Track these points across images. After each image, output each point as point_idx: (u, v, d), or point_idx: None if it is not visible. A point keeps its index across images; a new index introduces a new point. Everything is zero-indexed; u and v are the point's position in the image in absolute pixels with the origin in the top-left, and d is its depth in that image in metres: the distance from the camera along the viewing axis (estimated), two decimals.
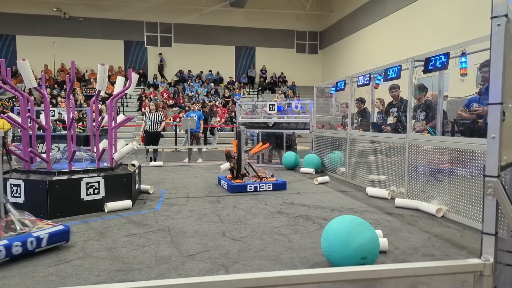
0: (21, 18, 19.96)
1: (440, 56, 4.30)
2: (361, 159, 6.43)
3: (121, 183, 4.75)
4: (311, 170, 7.73)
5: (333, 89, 7.63)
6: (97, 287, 1.41)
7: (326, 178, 6.77)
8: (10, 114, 5.00)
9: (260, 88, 22.04)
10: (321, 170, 8.04)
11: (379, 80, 6.08)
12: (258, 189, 5.81)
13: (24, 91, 5.31)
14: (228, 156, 6.27)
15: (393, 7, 15.38)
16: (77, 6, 20.25)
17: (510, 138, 1.50)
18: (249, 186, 5.79)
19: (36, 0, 19.49)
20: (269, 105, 9.45)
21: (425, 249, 3.27)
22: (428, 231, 3.78)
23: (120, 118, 5.59)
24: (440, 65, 4.31)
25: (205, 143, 14.31)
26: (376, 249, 2.77)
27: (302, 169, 7.88)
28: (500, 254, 2.04)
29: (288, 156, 8.44)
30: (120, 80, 5.52)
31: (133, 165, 5.06)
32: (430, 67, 4.45)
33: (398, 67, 5.27)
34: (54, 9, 19.99)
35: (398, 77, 5.32)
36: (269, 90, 22.07)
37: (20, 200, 4.24)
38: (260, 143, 7.39)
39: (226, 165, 6.42)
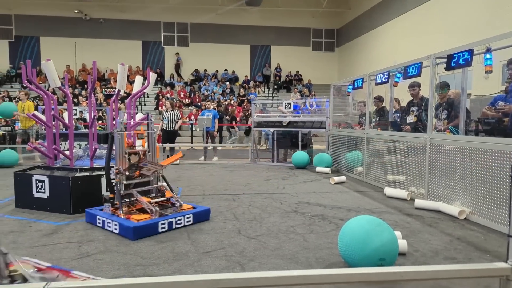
0: (44, 20, 20.55)
1: (464, 53, 4.17)
2: (379, 159, 6.32)
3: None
4: (327, 170, 7.66)
5: (350, 87, 7.53)
6: (117, 281, 1.43)
7: (342, 178, 6.68)
8: (35, 112, 5.14)
9: (275, 87, 21.98)
10: (336, 169, 7.95)
11: (398, 78, 5.95)
12: (173, 226, 3.78)
13: (48, 90, 5.45)
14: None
15: (414, 2, 15.01)
16: (97, 8, 20.68)
17: None
18: (162, 224, 3.66)
19: (59, 3, 19.98)
20: (285, 103, 9.40)
21: (447, 252, 3.18)
22: (450, 234, 3.67)
23: (138, 116, 5.67)
24: (463, 62, 4.18)
25: (220, 142, 14.37)
26: (395, 250, 2.71)
27: (318, 169, 7.81)
28: None
29: (298, 155, 8.38)
30: (138, 79, 5.60)
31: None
32: (452, 64, 4.32)
33: (419, 65, 5.14)
34: (76, 11, 20.46)
35: (418, 74, 5.19)
36: (285, 89, 21.98)
37: (45, 195, 4.37)
38: (174, 156, 4.76)
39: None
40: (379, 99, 7.13)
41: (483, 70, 4.09)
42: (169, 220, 3.72)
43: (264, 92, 21.42)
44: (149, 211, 3.71)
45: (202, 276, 1.45)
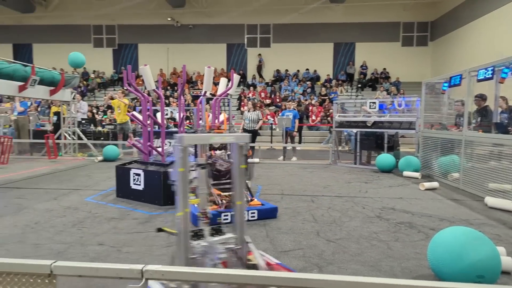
0: (142, 28, 22.87)
1: None
2: (480, 164, 5.62)
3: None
4: (416, 174, 7.08)
5: (446, 84, 6.84)
6: (205, 270, 1.51)
7: (434, 184, 6.11)
8: (134, 112, 5.75)
9: (359, 85, 21.09)
10: (427, 174, 7.30)
11: (506, 73, 5.22)
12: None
13: (144, 92, 6.05)
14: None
15: None
16: (187, 15, 22.28)
17: None
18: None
19: (154, 12, 22.03)
20: (370, 103, 8.95)
21: None
22: None
23: (222, 117, 5.93)
24: None
25: (300, 142, 14.31)
26: (496, 267, 2.39)
27: (405, 173, 7.27)
28: None
29: (384, 157, 7.85)
30: (223, 81, 5.86)
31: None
32: None
33: None
34: (169, 19, 22.34)
35: None
36: (369, 87, 20.95)
37: (140, 187, 4.86)
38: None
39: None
40: (481, 98, 6.35)
41: None
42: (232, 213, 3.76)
43: (347, 91, 20.71)
44: (216, 202, 4.03)
45: (282, 273, 1.45)
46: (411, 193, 5.72)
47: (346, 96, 19.59)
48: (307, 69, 22.07)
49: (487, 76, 5.45)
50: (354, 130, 9.05)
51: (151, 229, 3.74)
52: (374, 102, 8.91)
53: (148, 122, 5.23)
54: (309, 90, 19.95)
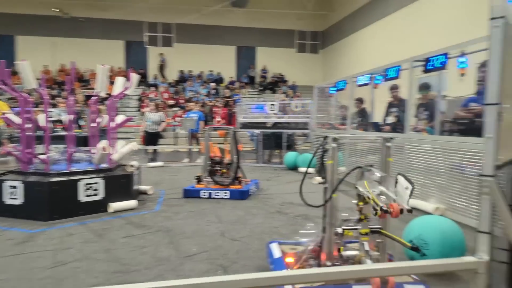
0: (20, 18, 19.99)
1: (440, 56, 4.29)
2: (362, 159, 6.42)
3: (121, 184, 4.75)
4: (311, 170, 7.73)
5: (333, 89, 7.63)
6: None
7: None
8: (8, 115, 5.00)
9: (261, 88, 22.03)
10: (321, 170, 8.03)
11: (379, 80, 6.07)
12: (211, 196, 5.34)
13: (23, 91, 5.31)
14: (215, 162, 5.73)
15: (394, 7, 15.35)
16: (78, 7, 20.26)
17: (507, 138, 1.50)
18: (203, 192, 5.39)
19: (36, 0, 19.50)
20: (270, 105, 9.44)
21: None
22: None
23: (121, 119, 5.58)
24: (440, 65, 4.30)
25: None
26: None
27: (301, 169, 7.89)
28: (494, 252, 2.03)
29: (289, 156, 8.43)
30: (120, 80, 5.50)
31: (132, 166, 5.06)
32: (429, 67, 4.44)
33: (398, 67, 5.26)
34: (54, 9, 19.98)
35: (397, 77, 5.31)
36: (270, 90, 22.06)
37: (19, 201, 4.22)
38: None
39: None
40: (360, 101, 7.25)
41: (458, 72, 4.22)
42: (210, 191, 5.40)
43: (249, 93, 21.43)
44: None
45: (183, 281, 1.45)
46: (307, 187, 6.20)
47: (249, 98, 20.26)
48: (211, 71, 22.16)
49: (365, 82, 6.26)
50: (257, 131, 9.44)
51: (32, 249, 3.29)
52: (274, 104, 9.43)
53: (29, 126, 4.62)
54: (213, 91, 20.05)
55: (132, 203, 4.70)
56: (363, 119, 7.00)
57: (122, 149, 5.15)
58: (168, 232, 3.77)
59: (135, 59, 21.74)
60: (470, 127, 4.21)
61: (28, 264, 2.95)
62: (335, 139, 2.16)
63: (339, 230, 2.17)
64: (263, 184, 6.50)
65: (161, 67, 21.62)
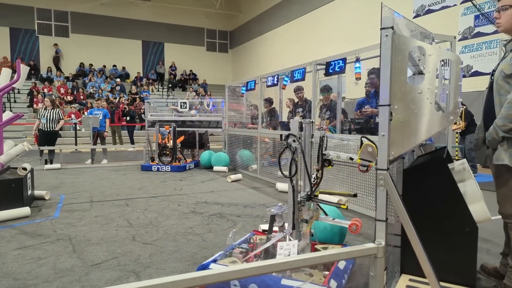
0: None
1: (339, 61, 4.73)
2: (271, 156, 6.73)
3: (10, 189, 4.15)
4: (224, 168, 7.81)
5: (244, 88, 7.82)
6: None
7: (239, 176, 6.91)
8: None
9: (170, 85, 21.40)
10: (233, 168, 8.18)
11: (286, 81, 6.44)
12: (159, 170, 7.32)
13: None
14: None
15: (296, 13, 16.44)
16: None
17: (397, 135, 1.74)
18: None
19: None
20: (181, 103, 9.23)
21: None
22: None
23: (7, 115, 4.87)
24: (338, 69, 4.75)
25: (115, 143, 13.33)
26: None
27: (215, 168, 7.92)
28: (389, 238, 2.34)
29: (205, 155, 8.37)
30: (6, 72, 4.80)
31: (24, 169, 4.47)
32: (330, 71, 4.87)
33: (303, 70, 5.64)
34: None
35: (303, 78, 5.69)
36: (180, 88, 21.58)
37: None
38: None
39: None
40: (269, 101, 7.59)
41: (354, 76, 4.72)
42: (158, 166, 7.69)
43: (158, 91, 20.63)
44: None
45: None
46: (221, 186, 6.28)
47: (158, 96, 19.52)
48: (115, 65, 20.72)
49: (274, 83, 6.56)
50: (167, 130, 9.13)
51: None
52: (185, 102, 9.26)
53: None
54: (118, 87, 18.77)
55: (24, 210, 4.15)
56: (272, 119, 7.34)
57: (11, 150, 4.51)
58: (71, 240, 3.43)
59: (24, 49, 19.14)
60: (366, 126, 4.74)
61: None
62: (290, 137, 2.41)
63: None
64: (177, 184, 6.35)
65: (56, 59, 19.43)
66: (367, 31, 11.42)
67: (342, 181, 4.77)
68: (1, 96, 4.82)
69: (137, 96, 17.99)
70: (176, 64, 22.19)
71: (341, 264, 2.45)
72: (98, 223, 3.99)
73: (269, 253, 2.51)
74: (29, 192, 4.73)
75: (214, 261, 2.55)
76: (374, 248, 1.67)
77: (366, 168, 1.94)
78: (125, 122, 14.53)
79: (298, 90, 6.71)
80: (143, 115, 14.19)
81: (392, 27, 1.67)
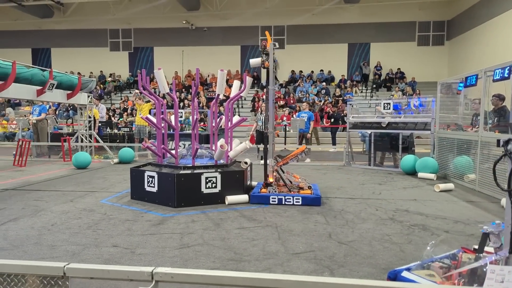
0: (157, 32, 23.22)
1: None
2: (499, 166, 5.49)
3: (235, 179, 5.09)
4: (432, 176, 6.96)
5: (462, 84, 6.72)
6: (214, 273, 1.54)
7: (450, 186, 6.00)
8: (148, 116, 5.84)
9: (374, 86, 20.86)
10: (443, 176, 7.17)
11: None
12: (283, 202, 4.92)
13: (158, 95, 6.15)
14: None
15: None
16: (202, 17, 22.51)
17: None
18: (272, 198, 4.95)
19: (170, 16, 22.34)
20: (384, 103, 8.85)
21: None
22: None
23: (236, 119, 5.98)
24: None
25: (318, 143, 14.25)
26: None
27: (420, 174, 7.16)
28: None
29: (407, 159, 7.65)
30: (236, 83, 5.91)
31: (246, 163, 5.36)
32: None
33: None
34: (184, 22, 22.61)
35: None
36: (385, 88, 20.70)
37: (154, 189, 4.94)
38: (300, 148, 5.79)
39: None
40: (499, 97, 6.22)
41: None
42: (280, 197, 4.95)
43: (361, 92, 20.52)
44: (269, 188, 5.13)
45: (292, 276, 1.47)
46: (426, 194, 5.63)
47: (361, 97, 19.41)
48: (322, 70, 21.98)
49: (504, 76, 5.32)
50: (369, 131, 8.96)
51: (164, 230, 3.81)
52: (389, 103, 8.81)
53: (162, 125, 5.33)
54: (323, 91, 19.85)
55: (244, 197, 5.00)
56: (501, 119, 5.98)
57: (237, 147, 5.51)
58: (277, 228, 3.88)
59: (246, 62, 23.03)
60: None
61: (161, 243, 3.42)
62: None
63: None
64: (375, 188, 6.14)
65: (274, 68, 22.38)
66: None
67: None
68: (232, 104, 5.96)
69: (340, 98, 18.46)
70: (381, 64, 21.44)
71: None
72: (300, 217, 4.34)
73: (477, 275, 2.07)
74: (249, 182, 5.64)
75: (408, 269, 2.31)
76: None
77: None
78: (328, 124, 15.20)
79: None
80: (345, 117, 14.45)
81: None
